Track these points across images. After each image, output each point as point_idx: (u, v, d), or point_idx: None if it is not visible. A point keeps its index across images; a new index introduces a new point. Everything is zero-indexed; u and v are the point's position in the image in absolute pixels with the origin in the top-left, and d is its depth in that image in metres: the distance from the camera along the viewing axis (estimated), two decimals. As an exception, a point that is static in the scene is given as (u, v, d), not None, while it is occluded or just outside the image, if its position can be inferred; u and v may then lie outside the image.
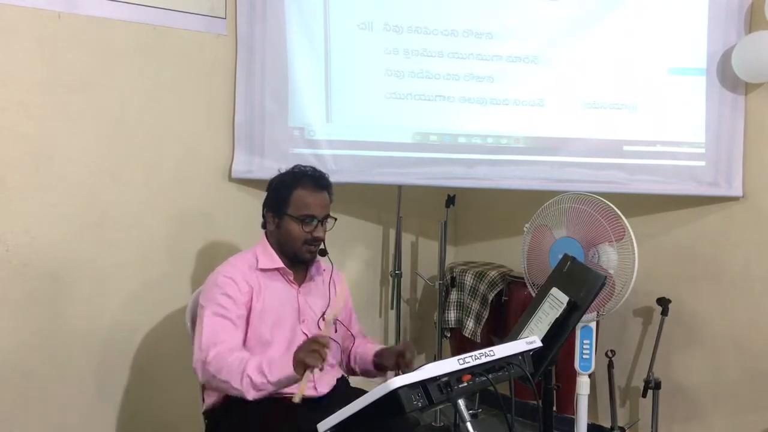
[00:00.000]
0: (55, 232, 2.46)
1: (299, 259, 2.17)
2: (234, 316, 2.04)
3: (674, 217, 3.11)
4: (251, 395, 1.88)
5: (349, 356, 2.34)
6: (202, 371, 1.98)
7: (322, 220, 2.15)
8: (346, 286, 2.37)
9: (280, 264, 2.16)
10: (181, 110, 2.78)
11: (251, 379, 1.87)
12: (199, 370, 1.99)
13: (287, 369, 1.83)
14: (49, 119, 2.44)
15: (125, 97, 2.62)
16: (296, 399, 1.80)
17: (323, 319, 2.19)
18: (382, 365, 2.21)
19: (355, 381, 2.34)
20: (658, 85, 3.03)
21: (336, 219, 2.20)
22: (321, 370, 1.83)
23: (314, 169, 2.20)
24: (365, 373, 2.30)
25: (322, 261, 2.26)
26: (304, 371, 1.81)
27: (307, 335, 2.15)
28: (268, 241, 2.19)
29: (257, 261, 2.15)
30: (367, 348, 2.29)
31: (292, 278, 2.19)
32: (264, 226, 2.22)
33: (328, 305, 2.22)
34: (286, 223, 2.13)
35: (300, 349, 1.86)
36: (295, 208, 2.12)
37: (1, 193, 2.34)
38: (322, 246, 2.17)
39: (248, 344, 2.08)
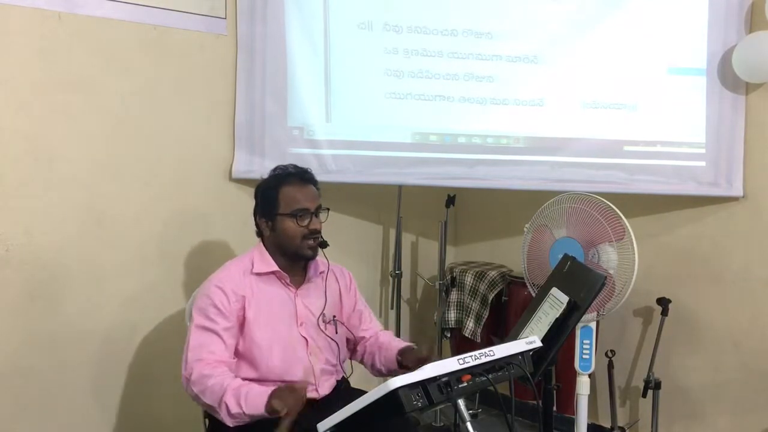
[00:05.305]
0: (55, 232, 2.47)
1: (301, 257, 2.15)
2: (221, 329, 2.03)
3: (674, 217, 3.11)
4: (228, 422, 1.89)
5: (361, 355, 2.32)
6: (188, 389, 1.99)
7: (315, 212, 2.14)
8: (354, 284, 2.37)
9: (275, 267, 2.14)
10: (181, 110, 2.78)
11: (227, 407, 1.87)
12: (185, 387, 2.00)
13: (261, 406, 1.83)
14: (49, 119, 2.44)
15: (125, 97, 2.62)
16: None
17: (322, 320, 2.19)
18: (404, 365, 2.16)
19: (355, 382, 2.34)
20: (657, 85, 3.02)
21: (329, 209, 2.19)
22: (289, 417, 1.80)
23: (295, 166, 2.19)
24: (391, 373, 2.23)
25: (321, 262, 2.25)
26: (276, 416, 1.79)
27: (306, 339, 2.15)
28: (265, 246, 2.18)
29: (253, 265, 2.14)
30: (391, 346, 2.24)
31: (288, 281, 2.17)
32: (259, 234, 2.21)
33: (325, 306, 2.21)
34: (280, 223, 2.12)
35: (276, 393, 1.85)
36: (286, 206, 2.11)
37: (1, 193, 2.34)
38: (321, 238, 2.16)
39: (247, 350, 2.08)
